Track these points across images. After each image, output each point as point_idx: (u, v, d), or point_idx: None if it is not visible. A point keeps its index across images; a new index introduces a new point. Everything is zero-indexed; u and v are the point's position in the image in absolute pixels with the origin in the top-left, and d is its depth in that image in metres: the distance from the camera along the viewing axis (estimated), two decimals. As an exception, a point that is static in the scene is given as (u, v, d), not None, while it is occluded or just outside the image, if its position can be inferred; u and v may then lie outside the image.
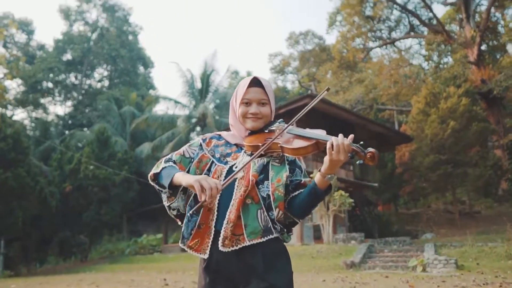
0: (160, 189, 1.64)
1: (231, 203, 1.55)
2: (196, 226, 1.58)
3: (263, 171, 1.61)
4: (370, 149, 1.43)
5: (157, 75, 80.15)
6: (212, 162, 1.66)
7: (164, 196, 1.66)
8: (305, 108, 1.63)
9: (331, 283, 7.71)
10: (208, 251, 1.55)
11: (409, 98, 24.72)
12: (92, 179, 21.50)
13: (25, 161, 19.51)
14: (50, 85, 38.59)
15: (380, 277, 8.44)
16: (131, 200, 23.34)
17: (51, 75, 37.58)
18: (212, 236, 1.55)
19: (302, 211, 1.60)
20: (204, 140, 1.75)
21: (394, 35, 28.73)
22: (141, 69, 44.56)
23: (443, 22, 25.72)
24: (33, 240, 21.65)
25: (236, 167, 1.62)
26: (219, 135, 1.80)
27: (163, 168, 1.64)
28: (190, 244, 1.58)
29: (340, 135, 1.49)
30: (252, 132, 1.71)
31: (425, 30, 27.61)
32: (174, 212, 1.69)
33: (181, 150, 1.74)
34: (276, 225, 1.57)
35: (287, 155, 1.61)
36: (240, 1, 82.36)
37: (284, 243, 1.64)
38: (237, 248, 1.51)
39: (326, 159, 1.49)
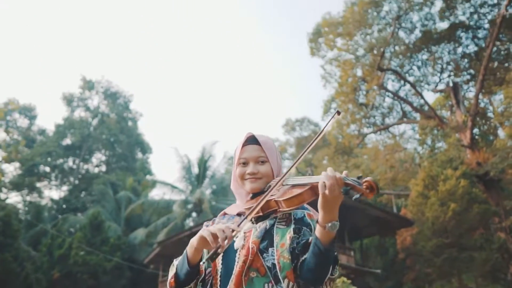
0: None
1: (230, 279, 1.34)
2: None
3: (266, 237, 1.40)
4: (367, 178, 1.26)
5: (154, 160, 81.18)
6: None
7: None
8: (313, 140, 1.47)
9: None
10: None
11: (406, 182, 24.70)
12: (82, 265, 20.65)
13: (14, 246, 18.90)
14: (47, 169, 38.60)
15: None
16: (122, 288, 22.24)
17: (49, 159, 37.77)
18: None
19: (312, 275, 1.32)
20: (207, 226, 1.60)
21: (387, 121, 29.52)
22: (139, 154, 44.98)
23: (434, 108, 26.59)
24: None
25: (236, 237, 1.43)
26: (224, 213, 1.63)
27: (176, 266, 1.48)
28: None
29: (329, 168, 1.31)
30: (255, 195, 1.53)
31: (417, 115, 28.45)
32: None
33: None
34: None
35: (286, 209, 1.40)
36: (236, 89, 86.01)
37: None
38: None
39: (320, 201, 1.30)
